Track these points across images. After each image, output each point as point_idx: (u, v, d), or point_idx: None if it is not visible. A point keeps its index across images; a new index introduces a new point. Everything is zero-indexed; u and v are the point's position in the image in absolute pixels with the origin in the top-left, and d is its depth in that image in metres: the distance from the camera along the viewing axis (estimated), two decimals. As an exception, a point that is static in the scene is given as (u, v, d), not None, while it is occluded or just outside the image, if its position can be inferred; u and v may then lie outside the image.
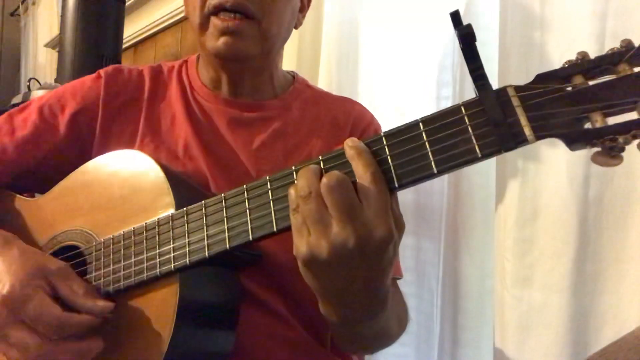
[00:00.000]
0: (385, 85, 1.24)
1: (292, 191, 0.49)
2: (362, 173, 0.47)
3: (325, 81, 1.32)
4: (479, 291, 1.06)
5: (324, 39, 1.35)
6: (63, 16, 2.00)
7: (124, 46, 2.15)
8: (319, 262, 0.47)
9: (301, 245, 0.48)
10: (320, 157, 0.51)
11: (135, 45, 2.50)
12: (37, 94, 1.96)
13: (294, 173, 0.52)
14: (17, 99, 2.10)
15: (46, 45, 3.12)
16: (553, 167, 0.95)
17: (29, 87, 2.30)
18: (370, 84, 1.28)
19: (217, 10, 0.71)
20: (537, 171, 0.98)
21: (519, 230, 0.98)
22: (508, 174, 1.02)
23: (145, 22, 2.34)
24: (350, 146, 0.49)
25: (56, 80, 2.04)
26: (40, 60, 3.42)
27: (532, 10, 1.00)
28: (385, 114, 1.20)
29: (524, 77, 0.97)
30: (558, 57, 0.95)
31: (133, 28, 2.38)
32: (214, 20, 0.71)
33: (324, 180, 0.46)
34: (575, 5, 0.93)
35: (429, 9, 1.16)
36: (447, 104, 1.14)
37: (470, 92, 1.18)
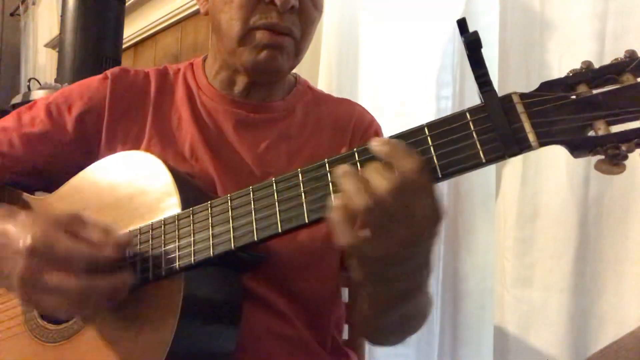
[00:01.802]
0: (386, 85, 1.24)
1: (338, 215, 0.47)
2: (409, 165, 0.46)
3: (325, 81, 1.32)
4: (479, 291, 1.06)
5: (324, 39, 1.35)
6: (63, 16, 2.00)
7: (124, 46, 2.15)
8: (393, 259, 0.47)
9: (373, 249, 0.47)
10: (355, 149, 0.51)
11: (135, 45, 2.50)
12: (37, 94, 1.95)
13: (300, 175, 0.53)
14: (17, 99, 2.09)
15: (46, 45, 3.11)
16: (553, 167, 0.95)
17: (29, 87, 2.30)
18: (371, 84, 1.28)
19: (264, 28, 0.72)
20: (537, 171, 0.98)
21: (519, 230, 0.99)
22: (508, 174, 1.02)
23: (145, 22, 2.34)
24: (382, 142, 0.48)
25: (56, 80, 2.03)
26: (40, 60, 3.41)
27: (532, 10, 1.00)
28: (385, 114, 1.20)
29: (524, 77, 0.98)
30: (558, 57, 0.95)
31: (133, 28, 2.38)
32: (261, 34, 0.72)
33: (385, 184, 0.45)
34: (575, 5, 0.93)
35: (429, 9, 1.16)
36: (447, 103, 1.14)
37: (470, 92, 1.19)
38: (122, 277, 0.57)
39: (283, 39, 0.73)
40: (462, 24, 0.46)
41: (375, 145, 0.48)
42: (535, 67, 0.98)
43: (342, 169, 0.48)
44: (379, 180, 0.45)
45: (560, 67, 0.93)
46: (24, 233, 0.55)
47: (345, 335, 0.98)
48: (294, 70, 0.91)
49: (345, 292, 0.94)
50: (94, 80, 0.81)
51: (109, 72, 0.82)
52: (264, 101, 0.81)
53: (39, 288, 0.54)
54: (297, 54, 0.77)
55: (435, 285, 1.14)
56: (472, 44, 0.46)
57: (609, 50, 0.87)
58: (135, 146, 0.77)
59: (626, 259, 0.88)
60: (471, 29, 0.46)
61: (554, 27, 0.97)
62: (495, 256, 1.04)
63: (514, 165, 1.00)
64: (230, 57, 0.76)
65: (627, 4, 0.88)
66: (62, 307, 0.55)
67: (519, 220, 0.99)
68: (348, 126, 0.84)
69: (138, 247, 0.62)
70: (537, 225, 0.97)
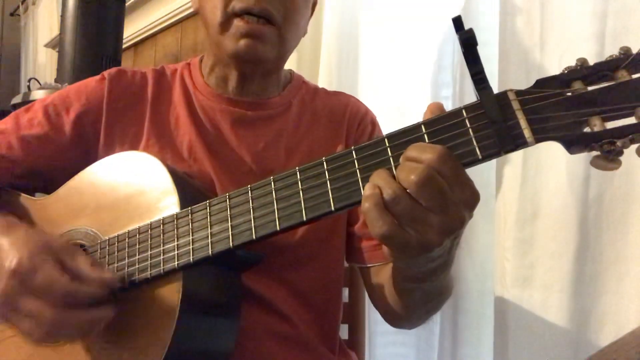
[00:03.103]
0: (385, 86, 1.24)
1: (368, 204, 0.46)
2: (432, 156, 0.45)
3: (325, 81, 1.32)
4: (479, 291, 1.06)
5: (324, 39, 1.35)
6: (63, 16, 2.00)
7: (124, 46, 2.15)
8: (432, 246, 0.46)
9: (407, 243, 0.46)
10: (385, 138, 0.50)
11: (135, 45, 2.50)
12: (37, 94, 1.95)
13: (297, 173, 0.54)
14: (17, 99, 2.08)
15: (46, 45, 3.11)
16: (553, 167, 0.95)
17: (29, 87, 2.29)
18: (371, 84, 1.28)
19: (241, 13, 0.72)
20: (537, 171, 0.98)
21: (519, 230, 0.99)
22: (508, 174, 1.02)
23: (145, 22, 2.35)
24: (412, 147, 0.47)
25: (56, 80, 2.03)
26: (40, 60, 3.41)
27: (532, 10, 1.00)
28: (385, 114, 1.20)
29: (523, 77, 0.98)
30: (558, 57, 0.95)
31: (133, 28, 2.38)
32: (238, 22, 0.72)
33: (414, 178, 0.44)
34: (575, 5, 0.93)
35: (429, 9, 1.16)
36: (447, 104, 1.14)
37: (470, 92, 1.18)
38: (98, 314, 0.57)
39: (261, 28, 0.72)
40: (457, 21, 0.46)
41: (402, 157, 0.47)
42: (535, 67, 0.98)
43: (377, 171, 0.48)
44: (405, 174, 0.45)
45: (560, 67, 0.92)
46: (12, 252, 0.56)
47: (345, 335, 0.98)
48: (293, 68, 0.91)
49: (345, 292, 0.94)
50: (91, 82, 0.81)
51: (106, 73, 0.82)
52: (260, 97, 0.81)
53: (15, 310, 0.55)
54: (281, 43, 0.75)
55: (435, 285, 1.14)
56: (468, 41, 0.46)
57: (608, 50, 0.87)
58: (134, 146, 0.77)
59: (626, 259, 0.88)
60: (471, 29, 0.46)
61: (554, 27, 0.97)
62: (495, 256, 1.04)
63: (514, 165, 1.00)
64: (217, 48, 0.77)
65: (627, 4, 0.88)
66: (34, 333, 0.56)
67: (519, 220, 0.99)
68: (343, 118, 0.84)
69: (137, 246, 0.62)
70: (537, 225, 0.97)
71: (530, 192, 0.98)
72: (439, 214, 0.45)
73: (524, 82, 1.02)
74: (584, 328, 0.91)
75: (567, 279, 0.92)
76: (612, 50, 0.88)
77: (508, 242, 1.00)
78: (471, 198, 0.46)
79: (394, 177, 0.46)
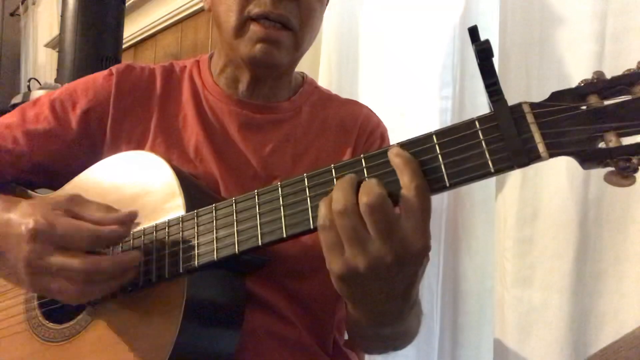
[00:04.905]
0: (386, 85, 1.24)
1: (322, 207, 0.47)
2: (408, 183, 0.46)
3: (325, 81, 1.32)
4: (479, 291, 1.06)
5: (324, 37, 1.35)
6: (63, 16, 2.00)
7: (124, 46, 2.15)
8: (356, 276, 0.47)
9: (336, 262, 0.47)
10: (362, 156, 0.51)
11: (135, 45, 2.50)
12: (37, 94, 1.95)
13: (305, 180, 0.53)
14: (17, 99, 2.09)
15: (46, 45, 3.11)
16: (553, 167, 0.95)
17: (29, 87, 2.30)
18: (371, 84, 1.28)
19: (258, 18, 0.71)
20: (537, 171, 0.98)
21: (519, 230, 0.99)
22: (508, 174, 1.02)
23: (145, 22, 2.35)
24: (396, 154, 0.48)
25: (56, 80, 2.03)
26: (40, 60, 3.41)
27: (532, 10, 1.00)
28: (385, 113, 1.20)
29: (524, 77, 0.98)
30: (558, 57, 0.95)
31: (133, 28, 2.38)
32: (255, 27, 0.71)
33: (364, 199, 0.45)
34: (575, 5, 0.93)
35: (429, 9, 1.16)
36: (447, 103, 1.14)
37: (470, 92, 1.18)
38: (128, 255, 0.57)
39: (278, 33, 0.71)
40: (473, 31, 0.45)
41: (392, 153, 0.48)
42: (535, 67, 0.98)
43: (346, 176, 0.49)
44: (363, 190, 0.46)
45: (560, 67, 0.93)
46: (25, 219, 0.55)
47: (345, 335, 0.98)
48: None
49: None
50: (99, 77, 0.80)
51: (114, 69, 0.80)
52: (269, 101, 0.80)
53: (44, 271, 0.54)
54: (296, 47, 0.75)
55: (435, 285, 1.14)
56: (483, 52, 0.45)
57: (609, 50, 0.87)
58: (140, 145, 0.76)
59: (626, 259, 0.88)
60: (487, 40, 0.45)
61: (553, 27, 0.97)
62: (495, 256, 1.04)
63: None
64: (231, 51, 0.76)
65: (627, 4, 0.88)
66: (68, 289, 0.54)
67: (519, 221, 0.99)
68: (354, 128, 0.82)
69: (141, 248, 0.62)
70: (537, 226, 0.97)
71: (530, 192, 0.98)
72: (377, 241, 0.45)
73: (524, 82, 1.03)
74: (584, 328, 0.91)
75: (567, 279, 0.92)
76: (612, 50, 0.88)
77: (508, 242, 1.00)
78: (422, 249, 0.47)
79: (358, 187, 0.46)
